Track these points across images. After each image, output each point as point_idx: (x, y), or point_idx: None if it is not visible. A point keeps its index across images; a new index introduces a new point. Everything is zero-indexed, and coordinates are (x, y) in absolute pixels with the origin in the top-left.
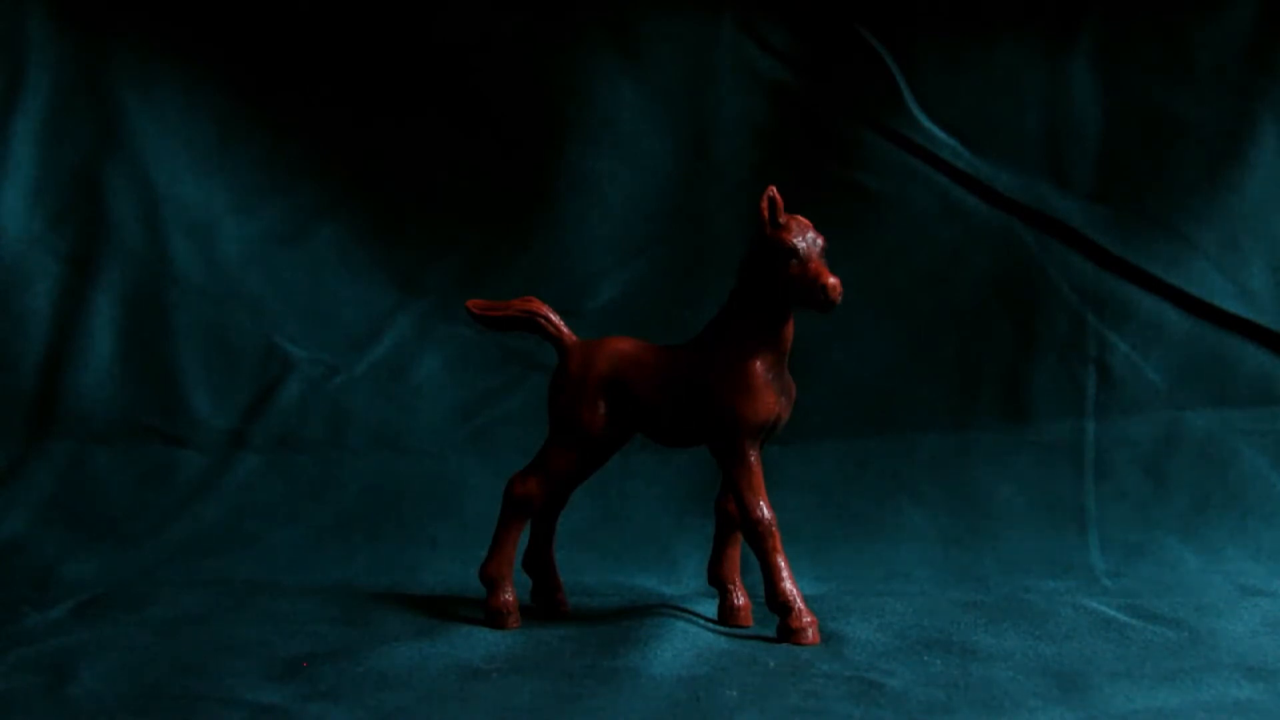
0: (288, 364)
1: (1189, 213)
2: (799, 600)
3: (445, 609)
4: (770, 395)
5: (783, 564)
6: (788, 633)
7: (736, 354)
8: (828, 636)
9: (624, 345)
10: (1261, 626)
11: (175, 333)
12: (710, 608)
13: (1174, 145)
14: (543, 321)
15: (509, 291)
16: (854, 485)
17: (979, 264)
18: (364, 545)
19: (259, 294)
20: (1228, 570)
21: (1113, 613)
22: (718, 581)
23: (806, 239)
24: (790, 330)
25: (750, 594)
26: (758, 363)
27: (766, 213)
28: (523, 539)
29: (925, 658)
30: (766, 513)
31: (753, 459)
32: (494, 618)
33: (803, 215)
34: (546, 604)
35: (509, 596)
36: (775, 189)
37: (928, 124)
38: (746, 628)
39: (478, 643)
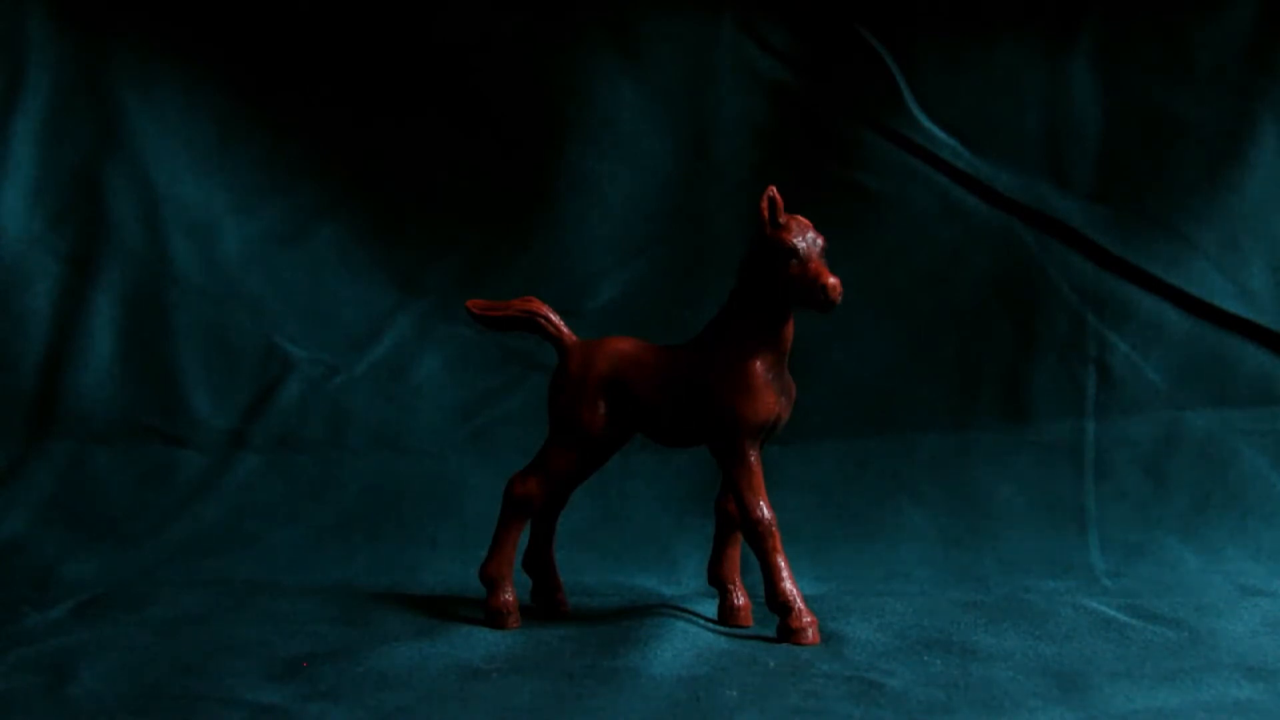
0: (288, 364)
1: (1189, 213)
2: (799, 600)
3: (445, 609)
4: (770, 395)
5: (783, 564)
6: (788, 633)
7: (736, 354)
8: (828, 636)
9: (624, 345)
10: (1261, 626)
11: (175, 333)
12: (710, 608)
13: (1174, 145)
14: (543, 321)
15: (509, 291)
16: (854, 485)
17: (979, 264)
18: (364, 545)
19: (259, 294)
20: (1228, 570)
21: (1113, 613)
22: (718, 581)
23: (806, 239)
24: (790, 330)
25: (750, 594)
26: (758, 363)
27: (766, 213)
28: (523, 539)
29: (925, 658)
30: (766, 513)
31: (753, 459)
32: (494, 618)
33: (803, 215)
34: (546, 604)
35: (509, 596)
36: (775, 189)
37: (928, 124)
38: (746, 628)
39: (478, 643)
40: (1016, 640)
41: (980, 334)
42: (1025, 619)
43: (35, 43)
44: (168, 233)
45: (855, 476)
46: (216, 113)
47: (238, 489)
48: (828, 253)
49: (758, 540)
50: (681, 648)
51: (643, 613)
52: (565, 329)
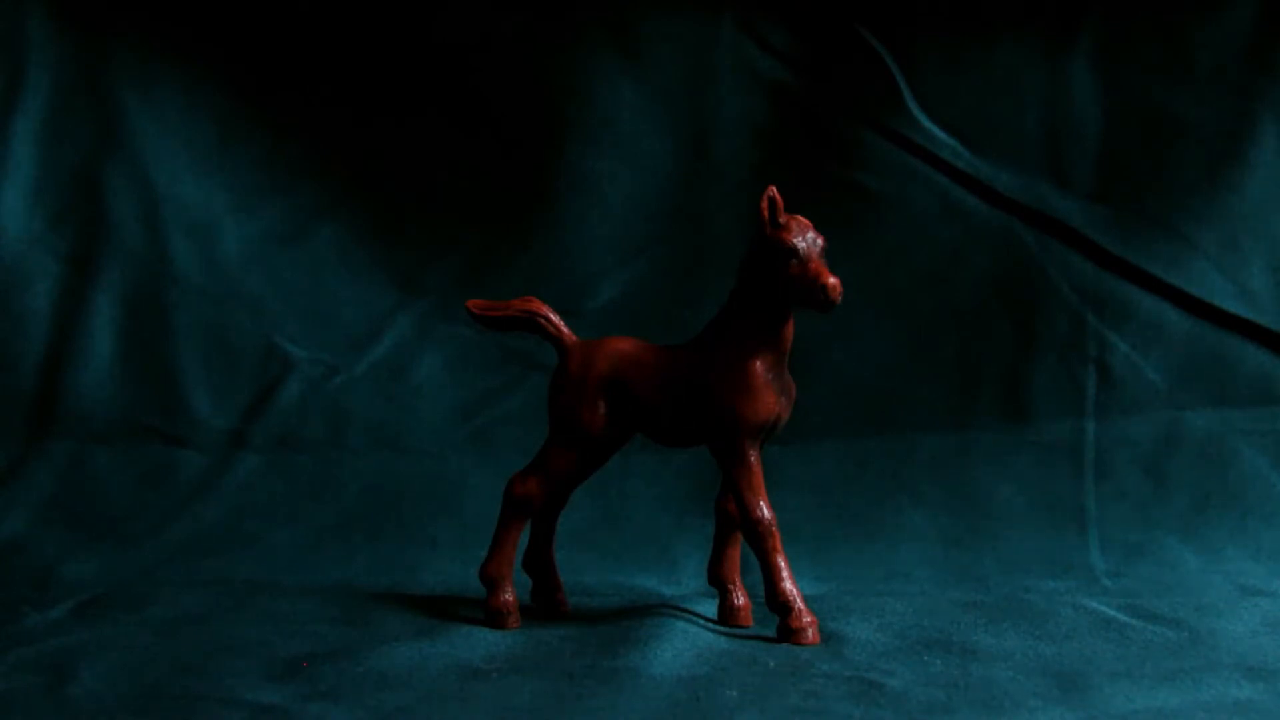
0: (288, 364)
1: (1189, 213)
2: (799, 600)
3: (445, 609)
4: (770, 395)
5: (783, 564)
6: (788, 633)
7: (736, 354)
8: (828, 636)
9: (624, 345)
10: (1261, 626)
11: (175, 333)
12: (710, 608)
13: (1174, 145)
14: (543, 321)
15: (509, 291)
16: (854, 485)
17: (979, 264)
18: (364, 545)
19: (259, 294)
20: (1228, 570)
21: (1113, 613)
22: (718, 581)
23: (806, 239)
24: (790, 330)
25: (750, 594)
26: (758, 363)
27: (766, 213)
28: (523, 539)
29: (925, 658)
30: (766, 513)
31: (753, 459)
32: (494, 618)
33: (803, 215)
34: (546, 604)
35: (509, 596)
36: (775, 189)
37: (928, 124)
38: (746, 628)
39: (478, 643)
40: (1016, 640)
41: (980, 334)
42: (1025, 619)
43: (35, 43)
44: (168, 233)
45: (855, 476)
46: (216, 113)
47: (238, 489)
48: (828, 253)
49: (758, 540)
50: (681, 648)
51: (643, 613)
52: (565, 329)
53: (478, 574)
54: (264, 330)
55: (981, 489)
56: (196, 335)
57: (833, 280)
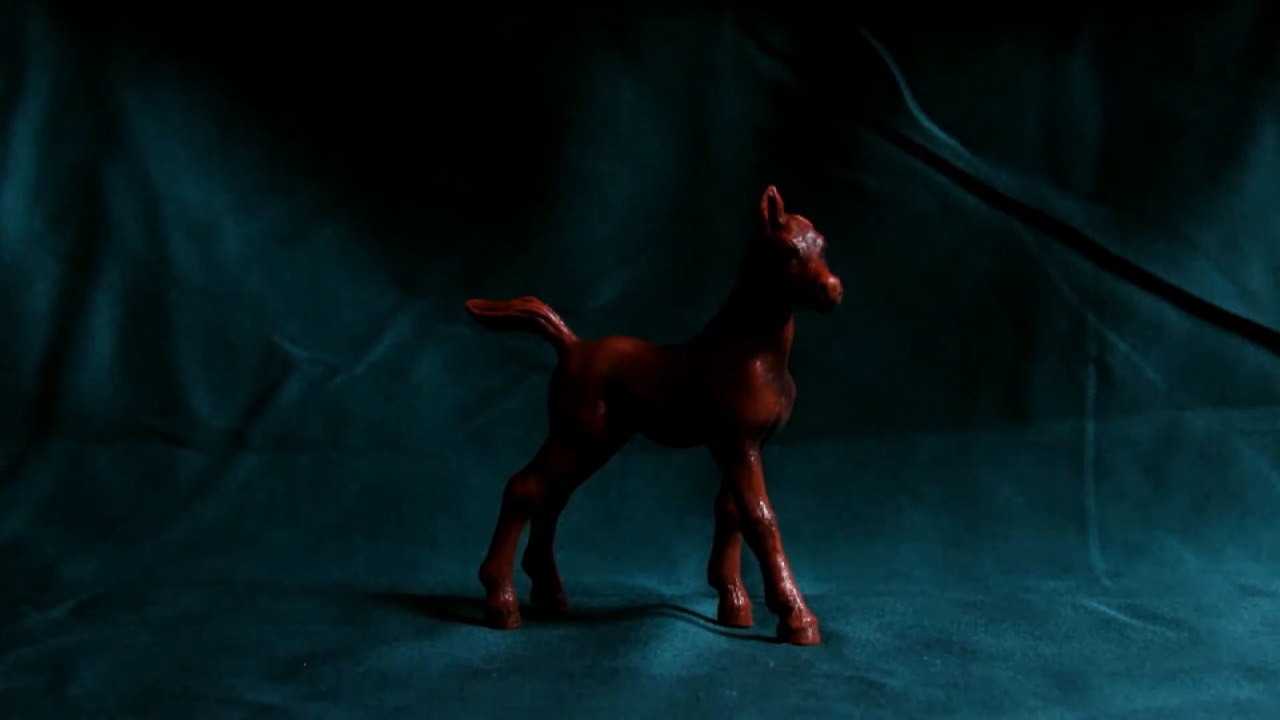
0: (288, 364)
1: (1189, 213)
2: (799, 600)
3: (445, 609)
4: (770, 395)
5: (783, 564)
6: (788, 633)
7: (736, 354)
8: (828, 636)
9: (624, 345)
10: (1261, 626)
11: (175, 333)
12: (710, 608)
13: (1174, 145)
14: (543, 321)
15: (509, 291)
16: (854, 485)
17: (979, 264)
18: (364, 545)
19: (259, 294)
20: (1228, 570)
21: (1113, 613)
22: (718, 581)
23: (806, 239)
24: (790, 330)
25: (750, 594)
26: (758, 363)
27: (766, 213)
28: (523, 539)
29: (925, 658)
30: (766, 513)
31: (753, 459)
32: (494, 618)
33: (803, 215)
34: (546, 604)
35: (509, 596)
36: (775, 189)
37: (928, 124)
38: (746, 628)
39: (478, 643)
40: (1016, 640)
41: (980, 334)
42: (1025, 619)
43: (35, 43)
44: (168, 233)
45: (855, 476)
46: (216, 113)
47: (238, 489)
48: (828, 253)
49: (758, 540)
50: (681, 648)
51: (643, 613)
52: (565, 329)
53: (478, 574)
54: (264, 330)
55: (981, 489)
56: (196, 335)
57: (833, 280)
